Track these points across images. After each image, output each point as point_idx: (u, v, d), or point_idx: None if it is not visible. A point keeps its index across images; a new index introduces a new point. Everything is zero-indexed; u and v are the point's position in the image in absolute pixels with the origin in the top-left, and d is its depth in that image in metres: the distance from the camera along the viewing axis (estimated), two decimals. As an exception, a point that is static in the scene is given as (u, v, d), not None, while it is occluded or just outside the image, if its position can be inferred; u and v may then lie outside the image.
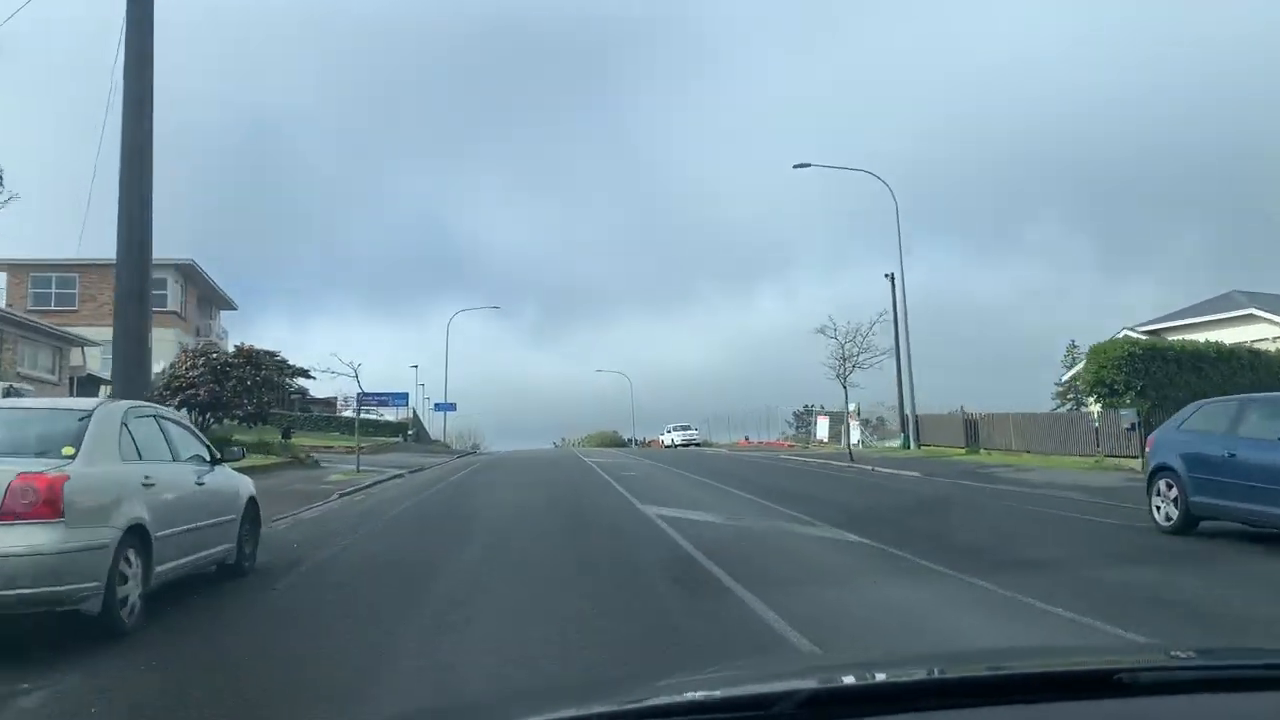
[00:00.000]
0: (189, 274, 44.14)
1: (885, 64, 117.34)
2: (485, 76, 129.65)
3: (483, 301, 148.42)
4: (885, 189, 36.46)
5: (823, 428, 48.26)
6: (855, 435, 44.87)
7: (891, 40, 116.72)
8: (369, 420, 61.24)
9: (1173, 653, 2.35)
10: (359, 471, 25.12)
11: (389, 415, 67.13)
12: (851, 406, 46.05)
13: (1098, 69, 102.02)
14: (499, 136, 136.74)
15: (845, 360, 30.66)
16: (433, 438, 71.95)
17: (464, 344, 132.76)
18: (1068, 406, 44.33)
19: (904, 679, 1.92)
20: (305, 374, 73.77)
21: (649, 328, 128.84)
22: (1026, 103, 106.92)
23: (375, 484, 22.15)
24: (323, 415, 59.64)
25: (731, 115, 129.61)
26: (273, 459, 27.62)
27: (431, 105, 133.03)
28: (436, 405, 72.09)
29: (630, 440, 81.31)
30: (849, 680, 1.95)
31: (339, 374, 28.84)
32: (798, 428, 66.54)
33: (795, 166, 34.95)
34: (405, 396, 67.55)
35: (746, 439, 57.56)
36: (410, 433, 64.42)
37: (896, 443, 39.35)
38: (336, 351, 25.60)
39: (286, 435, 30.40)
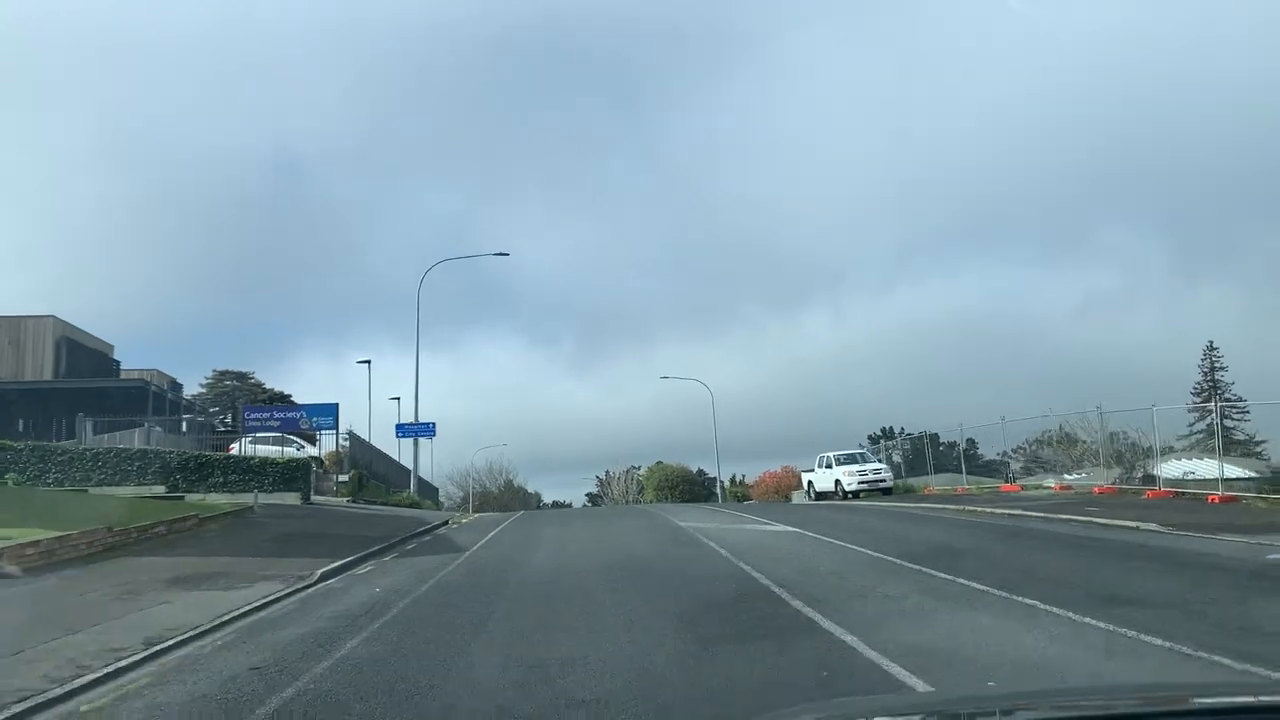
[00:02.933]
0: None
1: (946, 49, 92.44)
2: (514, 92, 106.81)
3: (516, 331, 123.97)
4: None
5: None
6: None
7: (953, 24, 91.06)
8: (245, 461, 31.29)
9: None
10: None
11: (311, 448, 37.64)
12: None
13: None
14: (532, 153, 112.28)
15: None
16: (428, 483, 43.23)
17: (499, 376, 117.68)
18: None
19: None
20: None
21: (695, 351, 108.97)
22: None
23: None
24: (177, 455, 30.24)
25: (781, 118, 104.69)
26: None
27: (457, 123, 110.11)
28: (400, 429, 43.25)
29: (714, 481, 52.12)
30: None
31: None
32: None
33: None
34: (331, 410, 37.12)
35: (1066, 484, 27.59)
36: (344, 478, 35.00)
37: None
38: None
39: None
